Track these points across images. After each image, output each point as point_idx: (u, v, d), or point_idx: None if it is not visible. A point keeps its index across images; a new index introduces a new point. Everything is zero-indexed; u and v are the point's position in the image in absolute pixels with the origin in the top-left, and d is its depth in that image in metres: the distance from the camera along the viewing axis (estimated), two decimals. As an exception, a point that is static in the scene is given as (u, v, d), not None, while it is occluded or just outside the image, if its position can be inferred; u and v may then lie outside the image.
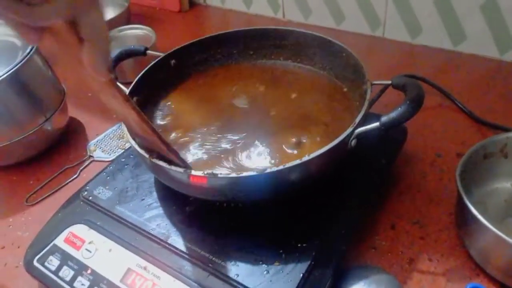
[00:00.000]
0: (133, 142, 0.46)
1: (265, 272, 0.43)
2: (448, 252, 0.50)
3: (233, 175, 0.40)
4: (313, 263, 0.43)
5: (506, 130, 0.63)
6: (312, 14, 0.95)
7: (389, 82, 0.49)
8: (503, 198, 0.53)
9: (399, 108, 0.42)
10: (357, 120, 0.44)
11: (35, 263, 0.50)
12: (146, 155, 0.43)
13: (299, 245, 0.44)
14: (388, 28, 0.87)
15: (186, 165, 0.45)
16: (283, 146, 0.50)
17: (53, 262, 0.49)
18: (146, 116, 0.42)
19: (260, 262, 0.43)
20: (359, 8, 0.88)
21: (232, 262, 0.44)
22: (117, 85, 0.39)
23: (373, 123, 0.44)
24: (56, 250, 0.50)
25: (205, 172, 0.41)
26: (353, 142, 0.44)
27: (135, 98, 0.54)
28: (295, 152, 0.49)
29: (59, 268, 0.49)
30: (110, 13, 1.05)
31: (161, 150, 0.45)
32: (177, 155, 0.45)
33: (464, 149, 0.54)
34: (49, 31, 0.31)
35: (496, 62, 0.78)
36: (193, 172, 0.41)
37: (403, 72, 0.73)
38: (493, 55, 0.78)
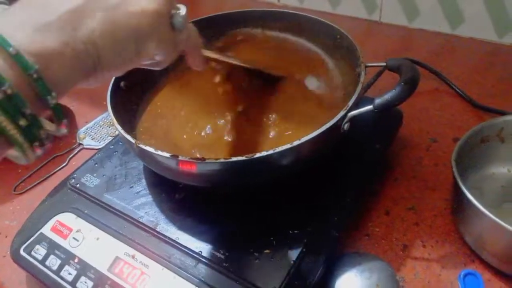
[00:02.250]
0: (119, 128, 0.44)
1: (255, 260, 0.42)
2: (443, 238, 0.49)
3: (222, 160, 0.39)
4: (304, 250, 0.42)
5: (503, 114, 0.61)
6: (307, -2, 0.93)
7: (384, 63, 0.47)
8: (499, 184, 0.52)
9: (393, 90, 0.41)
10: (350, 103, 0.42)
11: (22, 252, 0.49)
12: (132, 140, 0.42)
13: (290, 232, 0.43)
14: (385, 12, 0.85)
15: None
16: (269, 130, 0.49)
17: (40, 251, 0.48)
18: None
19: (251, 250, 0.42)
20: (355, -9, 0.86)
21: (222, 250, 0.43)
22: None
23: (364, 106, 0.43)
24: (42, 239, 0.49)
25: (193, 157, 0.39)
26: (346, 126, 0.43)
27: (122, 83, 0.53)
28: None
29: (46, 257, 0.48)
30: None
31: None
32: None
33: (461, 134, 0.52)
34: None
35: (495, 45, 0.76)
36: (181, 157, 0.40)
37: (400, 57, 0.71)
38: (491, 38, 0.77)
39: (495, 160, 0.53)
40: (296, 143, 0.39)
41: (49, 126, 0.27)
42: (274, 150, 0.39)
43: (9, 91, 0.23)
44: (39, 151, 0.27)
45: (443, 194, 0.53)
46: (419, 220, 0.51)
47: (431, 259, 0.47)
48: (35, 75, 0.25)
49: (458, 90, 0.67)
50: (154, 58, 0.35)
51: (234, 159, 0.39)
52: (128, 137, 0.43)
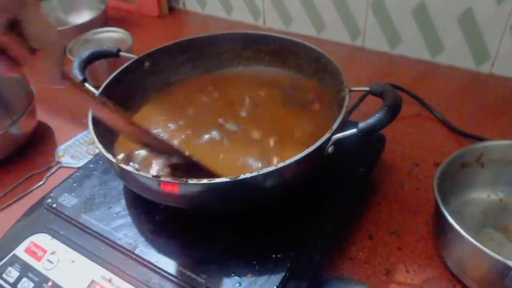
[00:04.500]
0: (100, 146, 0.43)
1: (237, 284, 0.40)
2: (425, 262, 0.49)
3: (205, 181, 0.38)
4: (287, 275, 0.41)
5: (482, 140, 0.63)
6: (292, 22, 0.95)
7: (367, 88, 0.48)
8: (479, 209, 0.53)
9: (377, 114, 0.41)
10: (335, 126, 0.42)
11: (-8, 274, 0.46)
12: (113, 160, 0.41)
13: (273, 256, 0.42)
14: (368, 38, 0.87)
15: (186, 157, 0.44)
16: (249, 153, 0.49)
17: (12, 273, 0.46)
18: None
19: (232, 274, 0.41)
20: (339, 18, 0.88)
21: (203, 274, 0.42)
22: (83, 88, 0.37)
23: (348, 130, 0.43)
24: (15, 260, 0.47)
25: (176, 178, 0.39)
26: (331, 149, 0.43)
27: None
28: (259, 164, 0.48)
29: (18, 280, 0.46)
30: (85, 16, 1.03)
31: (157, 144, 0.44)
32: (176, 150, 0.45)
33: (441, 159, 0.53)
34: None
35: (473, 74, 0.79)
36: (163, 178, 0.39)
37: (382, 82, 0.73)
38: (469, 67, 0.79)
39: (475, 185, 0.54)
40: (280, 165, 0.39)
41: None
42: (258, 172, 0.39)
43: None
44: None
45: (425, 218, 0.54)
46: (402, 245, 0.51)
47: (414, 284, 0.47)
48: None
49: (438, 116, 0.69)
50: None
51: (217, 180, 0.39)
52: (109, 156, 0.42)
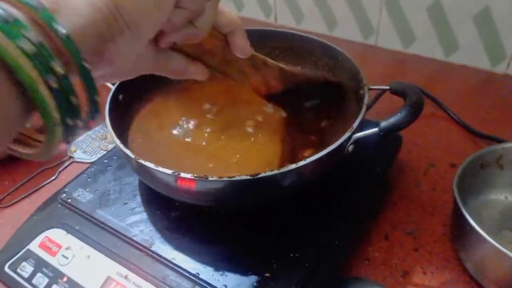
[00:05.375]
0: (117, 141, 0.43)
1: (255, 283, 0.40)
2: (442, 264, 0.48)
3: (225, 178, 0.38)
4: (306, 274, 0.41)
5: (498, 141, 0.62)
6: (304, 19, 0.94)
7: (387, 87, 0.47)
8: (497, 210, 0.52)
9: (399, 114, 0.41)
10: (355, 124, 0.42)
11: (7, 269, 0.46)
12: (132, 155, 0.41)
13: (291, 255, 0.42)
14: (381, 36, 0.86)
15: None
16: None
17: (27, 268, 0.46)
18: None
19: (250, 273, 0.41)
20: (352, 15, 0.87)
21: (220, 272, 0.41)
22: None
23: (369, 129, 0.42)
24: (30, 255, 0.47)
25: (195, 175, 0.38)
26: (350, 148, 0.42)
27: (120, 96, 0.51)
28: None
29: (32, 275, 0.45)
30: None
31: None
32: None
33: (458, 159, 0.52)
34: None
35: (488, 74, 0.78)
36: (182, 174, 0.39)
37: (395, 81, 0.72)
38: (484, 67, 0.78)
39: (493, 186, 0.53)
40: (301, 163, 0.39)
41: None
42: (278, 170, 0.38)
43: (34, 40, 0.21)
44: (62, 144, 0.24)
45: (442, 219, 0.53)
46: (418, 246, 0.50)
47: (431, 286, 0.46)
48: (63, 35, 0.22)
49: (453, 116, 0.68)
50: (182, 13, 0.31)
51: (237, 178, 0.38)
52: (127, 151, 0.41)
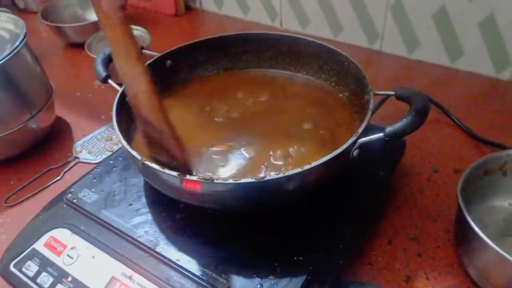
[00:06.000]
0: (124, 143, 0.43)
1: (258, 286, 0.40)
2: (445, 270, 0.48)
3: (231, 181, 0.38)
4: (309, 277, 0.41)
5: (502, 147, 0.62)
6: (310, 24, 0.94)
7: (392, 92, 0.48)
8: (501, 216, 0.52)
9: (405, 119, 0.41)
10: (360, 129, 0.42)
11: (12, 268, 0.47)
12: (138, 157, 0.41)
13: (295, 258, 0.42)
14: (386, 42, 0.87)
15: (186, 164, 0.43)
16: (271, 157, 0.49)
17: (31, 267, 0.46)
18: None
19: (254, 275, 0.41)
20: (357, 20, 0.87)
21: (224, 274, 0.41)
22: (130, 29, 0.40)
23: (373, 134, 0.43)
24: (35, 254, 0.47)
25: (201, 177, 0.39)
26: (355, 152, 0.42)
27: (127, 98, 0.52)
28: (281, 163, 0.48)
29: (37, 274, 0.46)
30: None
31: (164, 140, 0.43)
32: (181, 145, 0.43)
33: (461, 165, 0.52)
34: None
35: (492, 80, 0.78)
36: (188, 177, 0.39)
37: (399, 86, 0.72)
38: (489, 73, 0.78)
39: (497, 193, 0.53)
40: (306, 167, 0.39)
41: None
42: (284, 174, 0.39)
43: None
44: None
45: (445, 225, 0.53)
46: (422, 251, 0.50)
47: (434, 291, 0.46)
48: None
49: (458, 122, 0.68)
50: None
51: (242, 180, 0.39)
52: (134, 153, 0.42)
